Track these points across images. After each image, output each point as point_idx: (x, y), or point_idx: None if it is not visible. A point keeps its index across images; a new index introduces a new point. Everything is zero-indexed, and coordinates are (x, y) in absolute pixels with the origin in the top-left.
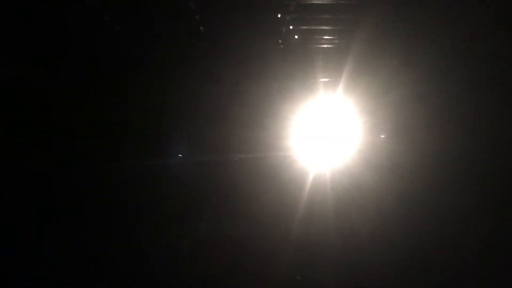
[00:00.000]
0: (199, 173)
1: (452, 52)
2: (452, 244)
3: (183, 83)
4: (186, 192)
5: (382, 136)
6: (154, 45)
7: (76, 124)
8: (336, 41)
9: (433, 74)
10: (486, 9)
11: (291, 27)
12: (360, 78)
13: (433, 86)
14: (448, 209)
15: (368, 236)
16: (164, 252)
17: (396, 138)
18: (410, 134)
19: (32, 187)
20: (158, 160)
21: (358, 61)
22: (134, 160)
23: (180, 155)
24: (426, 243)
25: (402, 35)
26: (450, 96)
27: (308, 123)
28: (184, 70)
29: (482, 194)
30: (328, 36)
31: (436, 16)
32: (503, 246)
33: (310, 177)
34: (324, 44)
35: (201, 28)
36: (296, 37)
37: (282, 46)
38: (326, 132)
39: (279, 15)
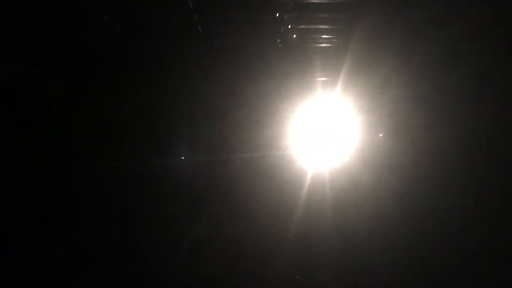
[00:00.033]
0: (198, 173)
1: (451, 52)
2: (451, 244)
3: (183, 83)
4: (186, 192)
5: (381, 135)
6: (154, 45)
7: (76, 124)
8: (334, 40)
9: (432, 73)
10: (486, 9)
11: (289, 26)
12: (358, 77)
13: (432, 85)
14: (447, 209)
15: (366, 236)
16: (164, 252)
17: (395, 138)
18: (409, 133)
19: (32, 187)
20: (158, 160)
21: (356, 60)
22: (134, 160)
23: (179, 155)
24: (425, 243)
25: (401, 35)
26: (449, 96)
27: (307, 122)
28: (184, 70)
29: (480, 193)
30: (327, 35)
31: (435, 16)
32: (502, 246)
33: (309, 176)
34: (322, 43)
35: (200, 27)
36: (294, 36)
37: (280, 46)
38: (325, 131)
39: (277, 15)
